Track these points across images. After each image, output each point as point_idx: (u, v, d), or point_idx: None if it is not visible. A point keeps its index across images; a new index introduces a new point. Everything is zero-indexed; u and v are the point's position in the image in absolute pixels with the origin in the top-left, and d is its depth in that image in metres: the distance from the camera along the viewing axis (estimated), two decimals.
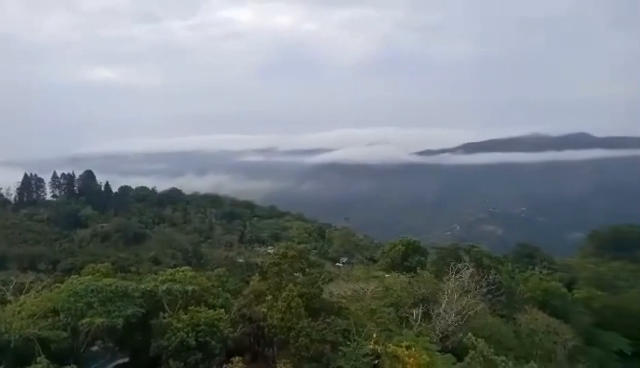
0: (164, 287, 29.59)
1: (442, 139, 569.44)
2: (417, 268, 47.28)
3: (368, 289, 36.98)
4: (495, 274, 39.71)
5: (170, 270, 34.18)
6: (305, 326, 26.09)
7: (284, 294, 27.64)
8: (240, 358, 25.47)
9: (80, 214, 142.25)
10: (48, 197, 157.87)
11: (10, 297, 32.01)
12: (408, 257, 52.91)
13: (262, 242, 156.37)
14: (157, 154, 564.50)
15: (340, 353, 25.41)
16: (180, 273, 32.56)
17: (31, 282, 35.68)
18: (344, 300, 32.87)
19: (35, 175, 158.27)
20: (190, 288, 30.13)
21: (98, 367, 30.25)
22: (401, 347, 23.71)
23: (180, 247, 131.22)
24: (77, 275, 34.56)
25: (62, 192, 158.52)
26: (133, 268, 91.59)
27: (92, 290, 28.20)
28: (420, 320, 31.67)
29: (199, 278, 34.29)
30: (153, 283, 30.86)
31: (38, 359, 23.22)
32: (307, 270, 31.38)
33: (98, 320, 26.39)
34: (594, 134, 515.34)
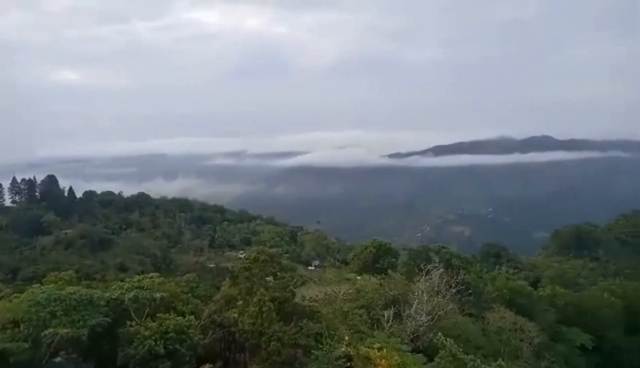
0: (131, 295, 28.77)
1: (412, 141, 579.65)
2: (388, 270, 47.68)
3: (340, 292, 37.08)
4: (464, 274, 40.50)
5: (137, 277, 33.27)
6: (277, 330, 25.90)
7: (255, 299, 27.36)
8: (211, 365, 24.99)
9: (42, 220, 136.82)
10: (7, 203, 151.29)
11: None
12: (379, 259, 53.31)
13: (233, 247, 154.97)
14: (124, 158, 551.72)
15: (312, 356, 25.33)
16: (148, 279, 31.73)
17: None
18: (316, 304, 32.81)
19: None
20: (158, 295, 29.40)
21: None
22: (373, 348, 23.84)
23: (149, 252, 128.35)
24: (39, 284, 33.21)
25: (23, 198, 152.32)
26: (99, 276, 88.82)
27: (55, 299, 27.14)
28: (392, 321, 31.95)
29: (168, 284, 33.54)
30: (119, 291, 29.95)
31: None
32: (278, 274, 31.18)
33: (62, 331, 25.40)
34: (556, 136, 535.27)
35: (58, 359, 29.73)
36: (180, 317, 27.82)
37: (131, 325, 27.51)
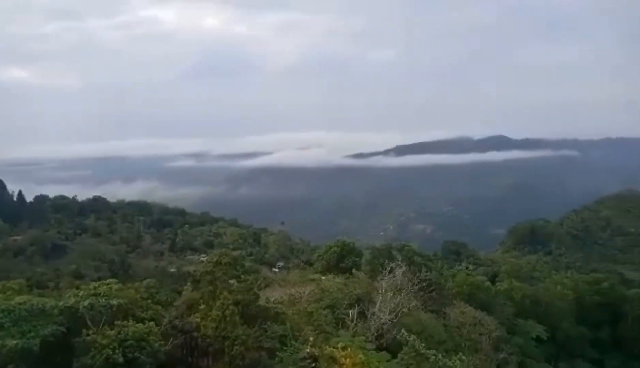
0: (86, 302, 27.61)
1: (374, 142, 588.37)
2: (353, 269, 47.95)
3: (304, 293, 36.97)
4: (426, 271, 41.22)
5: (93, 284, 31.95)
6: (240, 334, 25.52)
7: (218, 303, 26.87)
8: None
9: None
10: None
11: None
12: (343, 259, 53.48)
13: (195, 250, 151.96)
14: (79, 160, 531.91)
15: (277, 359, 25.13)
16: (105, 286, 30.53)
17: None
18: (280, 305, 32.58)
19: None
20: (116, 301, 28.34)
21: None
22: (338, 348, 23.87)
23: (106, 258, 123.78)
24: None
25: None
26: (52, 284, 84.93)
27: (3, 310, 25.71)
28: (356, 320, 32.13)
29: (126, 290, 32.37)
30: (74, 299, 28.68)
31: None
32: (242, 276, 30.76)
33: (10, 342, 24.03)
34: (511, 136, 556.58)
35: None
36: (140, 324, 26.96)
37: (87, 334, 26.44)
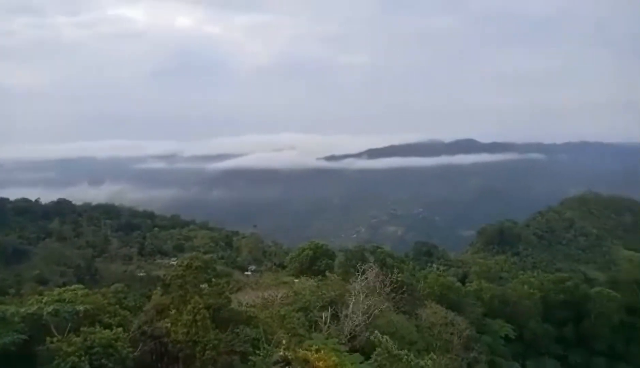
0: (50, 309, 26.58)
1: (347, 144, 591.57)
2: (326, 271, 47.87)
3: (277, 295, 36.68)
4: (398, 273, 41.54)
5: (58, 289, 30.80)
6: (212, 338, 25.06)
7: (189, 307, 26.31)
8: None
9: None
10: None
11: None
12: (316, 261, 53.39)
13: (165, 254, 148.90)
14: (43, 162, 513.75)
15: (249, 363, 24.80)
16: (70, 292, 29.46)
17: None
18: (253, 309, 32.21)
19: None
20: (81, 307, 27.38)
21: None
22: (311, 350, 23.78)
23: (71, 263, 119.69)
24: None
25: None
26: (13, 290, 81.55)
27: None
28: (329, 322, 32.09)
29: (93, 296, 31.32)
30: (37, 306, 27.56)
31: None
32: (213, 280, 30.26)
33: None
34: (479, 140, 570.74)
35: None
36: (107, 330, 26.15)
37: (52, 342, 25.46)
